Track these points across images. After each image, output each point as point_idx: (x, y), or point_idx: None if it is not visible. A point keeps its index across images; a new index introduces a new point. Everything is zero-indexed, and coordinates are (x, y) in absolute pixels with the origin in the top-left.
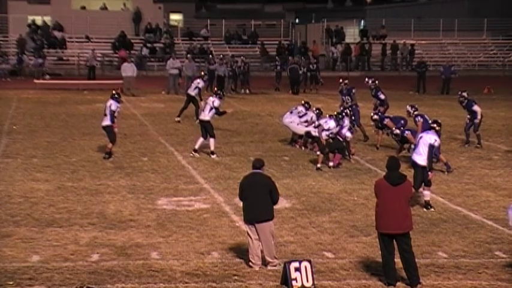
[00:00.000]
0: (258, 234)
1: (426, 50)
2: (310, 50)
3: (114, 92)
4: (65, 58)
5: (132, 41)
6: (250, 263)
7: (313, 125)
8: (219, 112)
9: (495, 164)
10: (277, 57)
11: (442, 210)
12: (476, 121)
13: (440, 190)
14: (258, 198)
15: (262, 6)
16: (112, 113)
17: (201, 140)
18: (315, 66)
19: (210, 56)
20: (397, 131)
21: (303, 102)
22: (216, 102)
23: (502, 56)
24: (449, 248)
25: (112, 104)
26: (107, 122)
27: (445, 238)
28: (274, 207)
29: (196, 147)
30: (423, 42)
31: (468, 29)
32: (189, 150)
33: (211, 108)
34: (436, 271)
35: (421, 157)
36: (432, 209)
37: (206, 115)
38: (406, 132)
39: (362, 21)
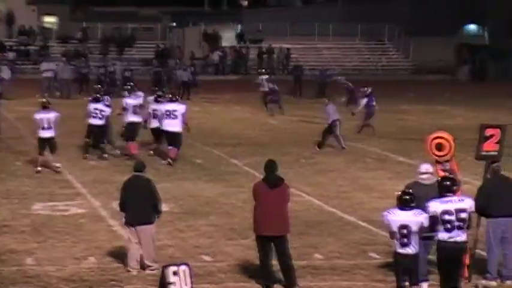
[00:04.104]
0: (138, 238)
1: (302, 54)
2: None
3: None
4: None
5: (6, 43)
6: (129, 267)
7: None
8: None
9: (368, 167)
10: (154, 61)
11: (318, 212)
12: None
13: (316, 192)
14: (139, 201)
15: (138, 9)
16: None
17: None
18: (192, 69)
19: (83, 58)
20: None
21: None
22: None
23: (375, 61)
24: (325, 249)
25: None
26: None
27: (321, 240)
28: (160, 210)
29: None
30: (299, 46)
31: (342, 34)
32: (64, 154)
33: None
34: (313, 272)
35: None
36: None
37: None
38: None
39: (239, 25)
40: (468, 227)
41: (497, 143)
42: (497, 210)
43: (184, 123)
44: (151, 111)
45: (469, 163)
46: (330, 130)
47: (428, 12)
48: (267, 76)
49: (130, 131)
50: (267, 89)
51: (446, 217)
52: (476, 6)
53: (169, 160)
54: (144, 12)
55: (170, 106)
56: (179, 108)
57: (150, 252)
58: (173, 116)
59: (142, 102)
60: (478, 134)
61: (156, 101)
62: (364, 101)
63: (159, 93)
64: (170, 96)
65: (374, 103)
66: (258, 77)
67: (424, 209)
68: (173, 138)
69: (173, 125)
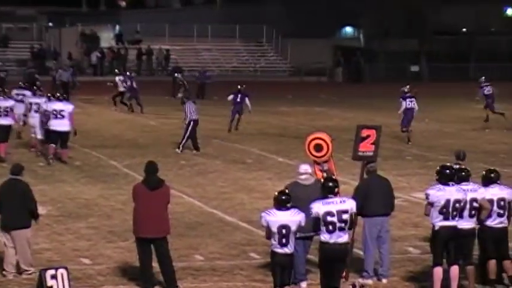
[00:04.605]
0: (13, 242)
1: (181, 55)
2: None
3: None
4: None
5: None
6: (4, 272)
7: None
8: None
9: (249, 168)
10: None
11: (198, 213)
12: None
13: (196, 194)
14: (14, 206)
15: (14, 9)
16: None
17: None
18: (70, 70)
19: None
20: None
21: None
22: None
23: (254, 62)
24: (205, 250)
25: None
26: None
27: (201, 241)
28: (37, 214)
29: None
30: (178, 47)
31: (221, 35)
32: None
33: None
34: (193, 274)
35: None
36: None
37: None
38: None
39: (117, 26)
40: (350, 228)
41: (373, 143)
42: (373, 210)
43: (71, 124)
44: (44, 112)
45: (346, 163)
46: (193, 130)
47: (305, 15)
48: (122, 77)
49: None
50: (122, 89)
51: (329, 218)
52: (352, 10)
53: (65, 160)
54: (20, 12)
55: (57, 106)
56: (66, 107)
57: (26, 256)
58: (60, 115)
59: (25, 102)
60: (355, 134)
61: (49, 100)
62: (231, 97)
63: (42, 92)
64: (58, 95)
65: (238, 100)
66: (114, 77)
67: (303, 208)
68: (61, 138)
69: (62, 125)
